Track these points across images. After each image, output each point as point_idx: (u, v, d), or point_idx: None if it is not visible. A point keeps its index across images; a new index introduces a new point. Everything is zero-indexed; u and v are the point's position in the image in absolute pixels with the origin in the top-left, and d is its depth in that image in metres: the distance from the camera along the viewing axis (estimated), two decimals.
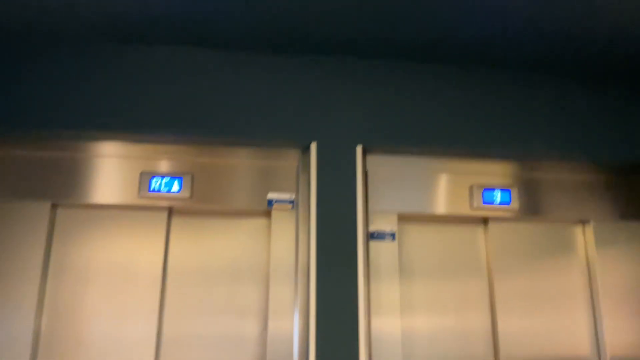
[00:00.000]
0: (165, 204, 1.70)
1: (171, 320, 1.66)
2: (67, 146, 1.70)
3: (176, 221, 1.75)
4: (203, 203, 1.71)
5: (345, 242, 1.64)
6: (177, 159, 1.75)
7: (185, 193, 1.70)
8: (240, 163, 1.76)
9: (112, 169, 1.71)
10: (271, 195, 1.74)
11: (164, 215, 1.72)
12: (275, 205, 1.73)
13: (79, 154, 1.71)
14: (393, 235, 1.74)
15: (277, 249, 1.70)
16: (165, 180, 1.70)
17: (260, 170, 1.76)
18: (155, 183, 1.70)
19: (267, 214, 1.77)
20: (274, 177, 1.76)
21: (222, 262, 1.73)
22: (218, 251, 1.74)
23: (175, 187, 1.70)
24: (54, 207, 1.69)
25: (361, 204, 1.68)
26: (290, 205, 1.74)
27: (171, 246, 1.72)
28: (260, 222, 1.78)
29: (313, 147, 1.71)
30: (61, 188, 1.67)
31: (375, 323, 1.66)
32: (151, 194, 1.69)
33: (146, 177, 1.70)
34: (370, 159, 1.79)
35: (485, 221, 1.87)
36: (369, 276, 1.69)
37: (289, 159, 1.78)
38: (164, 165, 1.74)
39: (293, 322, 1.64)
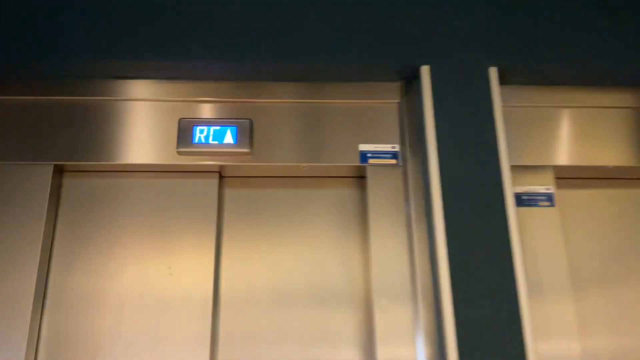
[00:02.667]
0: (213, 163, 1.18)
1: (226, 351, 1.14)
2: (69, 86, 1.22)
3: (230, 193, 1.23)
4: (266, 161, 1.19)
5: (488, 217, 1.07)
6: (230, 101, 1.23)
7: (242, 146, 1.18)
8: (320, 105, 1.23)
9: (138, 116, 1.22)
10: (364, 147, 1.20)
11: (213, 182, 1.21)
12: (371, 162, 1.19)
13: (90, 96, 1.22)
14: (550, 198, 1.17)
15: (379, 234, 1.15)
16: (215, 129, 1.19)
17: (347, 112, 1.22)
18: (200, 134, 1.19)
19: (360, 174, 1.23)
20: (366, 122, 1.22)
21: (297, 265, 1.20)
22: (289, 247, 1.21)
23: (228, 138, 1.18)
24: (59, 171, 1.20)
25: (504, 155, 1.11)
26: (394, 161, 1.19)
27: (225, 240, 1.21)
28: (350, 188, 1.24)
29: (424, 72, 1.17)
30: (68, 145, 1.18)
31: (544, 348, 1.08)
32: (194, 147, 1.18)
33: (187, 125, 1.19)
34: (506, 90, 1.23)
35: None
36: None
37: (387, 94, 1.24)
38: (211, 109, 1.23)
39: (415, 351, 1.08)
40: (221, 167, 1.21)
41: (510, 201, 1.08)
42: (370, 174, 1.18)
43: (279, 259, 1.19)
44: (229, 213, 1.22)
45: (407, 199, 1.15)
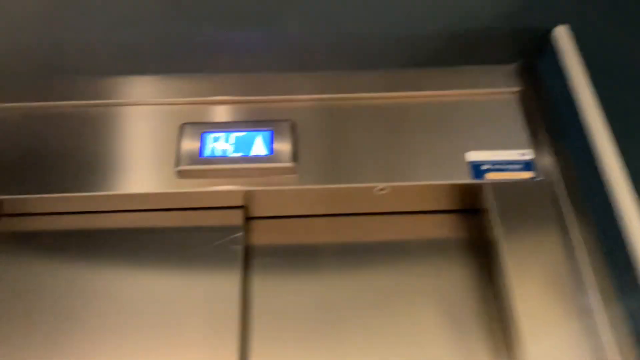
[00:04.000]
0: (234, 188, 0.73)
1: None
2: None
3: (264, 250, 0.77)
4: (319, 181, 0.73)
5: None
6: (256, 100, 0.81)
7: (281, 159, 0.73)
8: (401, 100, 0.80)
9: (119, 122, 0.79)
10: (476, 156, 0.75)
11: (234, 227, 0.75)
12: (490, 176, 0.73)
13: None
14: None
15: (532, 324, 0.65)
16: (238, 136, 0.75)
17: (443, 108, 0.79)
18: (214, 143, 0.75)
19: (470, 202, 0.77)
20: (474, 121, 0.78)
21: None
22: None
23: (259, 148, 0.74)
24: None
25: None
26: (528, 174, 0.73)
27: (254, 343, 0.70)
28: (461, 229, 0.78)
29: (561, 33, 0.75)
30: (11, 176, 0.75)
31: None
32: (204, 163, 0.73)
33: (193, 132, 0.76)
34: None
35: None
36: None
37: (499, 80, 0.80)
38: (226, 111, 0.80)
39: None
40: (247, 196, 0.75)
41: None
42: (489, 196, 0.71)
43: None
44: (261, 291, 0.74)
45: (567, 242, 0.68)
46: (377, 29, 0.76)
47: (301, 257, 0.77)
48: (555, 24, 0.76)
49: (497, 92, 0.79)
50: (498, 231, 0.69)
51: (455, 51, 0.79)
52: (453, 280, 0.74)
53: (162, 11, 0.75)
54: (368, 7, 0.75)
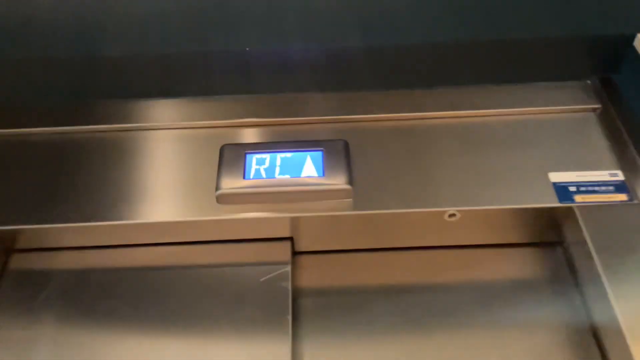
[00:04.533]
0: (281, 215, 0.64)
1: None
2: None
3: (316, 292, 0.66)
4: (380, 207, 0.64)
5: None
6: (301, 117, 0.73)
7: (334, 181, 0.64)
8: (472, 117, 0.72)
9: (152, 147, 0.71)
10: (559, 177, 0.65)
11: (283, 264, 0.65)
12: (580, 199, 0.63)
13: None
14: None
15: None
16: (284, 157, 0.66)
17: (518, 128, 0.70)
18: (260, 166, 0.66)
19: (555, 234, 0.66)
20: (553, 141, 0.69)
21: None
22: None
23: (309, 169, 0.65)
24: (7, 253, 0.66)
25: None
26: (622, 196, 0.63)
27: None
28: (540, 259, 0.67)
29: None
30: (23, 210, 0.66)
31: None
32: (249, 186, 0.64)
33: (235, 153, 0.67)
34: None
35: None
36: None
37: (576, 97, 0.72)
38: (269, 132, 0.72)
39: None
40: (293, 222, 0.65)
41: None
42: (586, 222, 0.61)
43: None
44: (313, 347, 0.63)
45: None
46: (442, 39, 0.69)
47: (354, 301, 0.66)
48: (638, 30, 0.68)
49: (576, 110, 0.71)
50: (597, 265, 0.58)
51: (528, 66, 0.71)
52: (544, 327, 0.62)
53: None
54: (429, 17, 0.68)
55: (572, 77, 0.72)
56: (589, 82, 0.73)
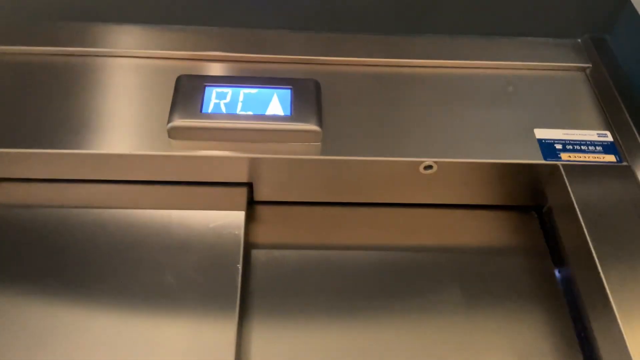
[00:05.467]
0: (240, 155, 0.57)
1: None
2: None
3: (268, 236, 0.59)
4: (350, 152, 0.58)
5: None
6: (271, 55, 0.66)
7: (302, 121, 0.57)
8: (458, 68, 0.66)
9: (105, 75, 0.63)
10: (545, 134, 0.60)
11: (237, 211, 0.59)
12: (567, 157, 0.58)
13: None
14: None
15: None
16: (247, 93, 0.59)
17: (504, 82, 0.65)
18: (220, 100, 0.59)
19: (537, 198, 0.62)
20: (539, 98, 0.64)
21: None
22: None
23: (275, 107, 0.59)
24: None
25: None
26: (610, 157, 0.58)
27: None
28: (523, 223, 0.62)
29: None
30: None
31: None
32: (204, 120, 0.57)
33: (193, 85, 0.60)
34: None
35: None
36: None
37: (564, 56, 0.67)
38: (233, 68, 0.65)
39: None
40: (253, 165, 0.59)
41: None
42: (571, 182, 0.56)
43: None
44: (260, 299, 0.56)
45: None
46: None
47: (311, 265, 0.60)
48: None
49: (565, 67, 0.66)
50: (584, 228, 0.53)
51: (518, 19, 0.66)
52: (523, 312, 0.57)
53: None
54: None
55: (563, 34, 0.68)
56: (579, 40, 0.68)
